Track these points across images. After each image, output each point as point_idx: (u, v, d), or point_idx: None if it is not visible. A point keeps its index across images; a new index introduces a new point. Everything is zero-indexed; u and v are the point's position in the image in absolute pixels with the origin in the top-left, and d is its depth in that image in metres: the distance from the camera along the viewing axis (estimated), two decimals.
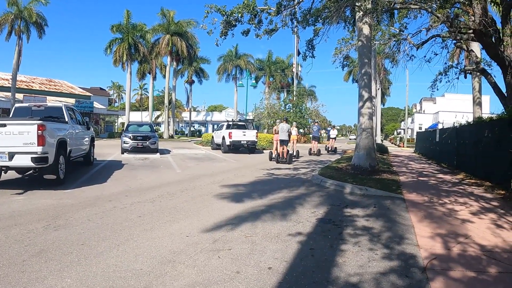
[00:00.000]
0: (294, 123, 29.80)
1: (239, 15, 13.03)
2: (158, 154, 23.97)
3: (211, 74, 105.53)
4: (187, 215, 8.05)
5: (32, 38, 42.21)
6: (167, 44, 50.60)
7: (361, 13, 14.21)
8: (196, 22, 51.09)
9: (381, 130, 60.33)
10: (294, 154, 23.55)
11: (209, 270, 4.90)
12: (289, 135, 21.51)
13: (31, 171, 11.60)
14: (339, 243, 6.13)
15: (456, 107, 62.10)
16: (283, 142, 20.93)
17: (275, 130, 23.37)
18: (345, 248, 5.87)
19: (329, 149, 32.74)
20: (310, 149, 29.29)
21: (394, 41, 16.84)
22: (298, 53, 43.40)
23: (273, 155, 22.38)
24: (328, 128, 44.78)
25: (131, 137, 24.03)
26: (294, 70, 53.61)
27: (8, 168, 10.94)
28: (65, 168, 12.09)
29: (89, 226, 7.10)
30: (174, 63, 56.84)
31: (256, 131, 28.55)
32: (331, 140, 34.40)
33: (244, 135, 26.51)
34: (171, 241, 6.08)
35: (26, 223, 7.28)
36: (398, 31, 16.86)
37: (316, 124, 32.13)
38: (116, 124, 71.15)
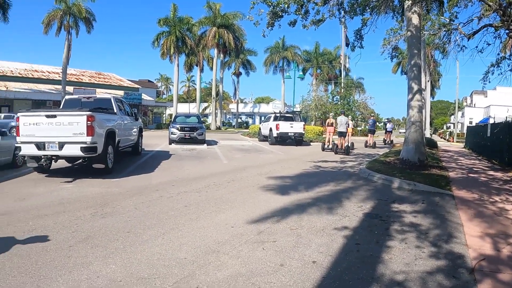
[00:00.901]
0: (350, 116, 29.47)
1: (286, 5, 12.85)
2: (205, 145, 24.16)
3: (258, 66, 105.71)
4: (232, 206, 8.07)
5: (81, 33, 43.19)
6: (214, 37, 50.76)
7: (410, 2, 13.82)
8: (242, 14, 50.90)
9: (430, 124, 58.70)
10: (350, 145, 23.33)
11: (253, 262, 4.88)
12: (347, 128, 22.46)
13: (80, 160, 11.91)
14: (386, 239, 5.99)
15: (508, 101, 59.62)
16: (341, 134, 22.02)
17: (328, 122, 24.10)
18: (392, 244, 5.73)
19: (387, 141, 32.37)
20: (366, 141, 29.20)
21: (444, 31, 16.31)
22: (347, 44, 42.82)
23: (325, 146, 23.05)
24: (386, 122, 44.18)
25: (179, 128, 24.24)
26: (341, 61, 52.92)
27: (58, 157, 11.33)
28: (114, 158, 12.37)
29: (136, 214, 7.24)
30: (221, 55, 57.01)
31: (303, 123, 28.41)
32: (388, 133, 34.01)
33: (292, 127, 26.37)
34: (216, 231, 6.11)
35: (74, 210, 7.49)
36: (448, 20, 16.28)
37: (372, 117, 31.91)
38: (164, 115, 72.35)
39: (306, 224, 6.71)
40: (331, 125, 23.57)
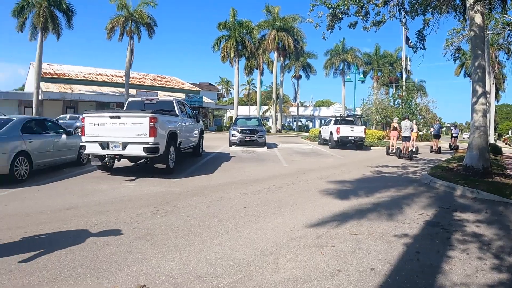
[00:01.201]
0: (414, 120, 28.80)
1: (345, 7, 12.72)
2: (265, 147, 24.21)
3: (318, 69, 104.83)
4: (292, 209, 8.09)
5: (142, 37, 44.43)
6: (274, 40, 50.71)
7: (472, 0, 13.34)
8: (301, 17, 50.50)
9: (495, 129, 56.20)
10: (414, 150, 22.82)
11: (310, 266, 4.89)
12: (411, 132, 22.08)
13: (142, 160, 12.30)
14: (447, 248, 5.82)
15: None
16: (406, 139, 21.61)
17: (392, 126, 23.71)
18: (452, 254, 5.56)
19: (452, 146, 31.46)
20: (431, 147, 28.40)
21: (508, 30, 15.60)
22: (408, 46, 41.71)
23: (390, 151, 22.76)
24: (451, 127, 42.85)
25: (239, 130, 24.41)
26: (402, 63, 51.57)
27: (121, 156, 11.73)
28: (175, 159, 12.70)
29: (195, 214, 7.40)
30: (281, 58, 56.91)
31: (364, 127, 28.01)
32: (453, 138, 33.05)
33: (352, 130, 26.03)
34: (275, 234, 6.15)
35: (135, 208, 7.76)
36: None
37: (437, 122, 31.07)
38: (224, 118, 73.19)
39: (365, 230, 6.64)
40: (395, 129, 23.16)
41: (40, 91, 38.81)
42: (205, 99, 56.56)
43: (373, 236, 6.30)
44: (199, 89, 62.99)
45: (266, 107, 79.39)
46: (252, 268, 4.75)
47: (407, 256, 5.40)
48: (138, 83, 54.14)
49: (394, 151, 22.17)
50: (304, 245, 5.68)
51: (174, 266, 4.78)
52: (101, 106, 43.16)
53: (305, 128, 79.00)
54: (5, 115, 12.43)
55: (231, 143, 24.56)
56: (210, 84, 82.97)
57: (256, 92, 72.62)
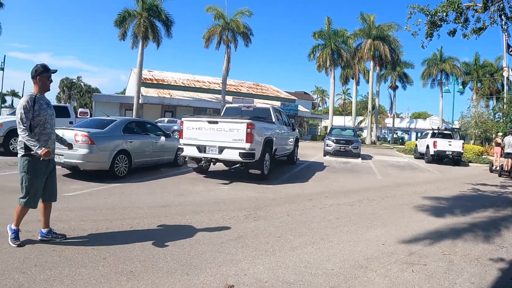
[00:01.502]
0: None
1: (444, 14, 12.18)
2: (359, 159, 23.81)
3: (415, 79, 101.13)
4: (384, 223, 7.89)
5: (239, 46, 45.27)
6: (369, 49, 49.45)
7: None
8: (397, 25, 48.70)
9: None
10: None
11: (400, 283, 4.74)
12: None
13: (237, 165, 12.54)
14: None
15: None
16: (508, 155, 19.84)
17: (495, 142, 22.61)
18: None
19: None
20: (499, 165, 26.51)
21: None
22: (509, 54, 39.06)
23: (493, 168, 21.41)
24: None
25: (334, 140, 24.20)
26: (504, 74, 48.22)
27: (217, 160, 12.02)
28: (270, 165, 12.81)
29: (287, 220, 7.43)
30: (377, 67, 55.47)
31: (462, 141, 26.63)
32: None
33: (450, 145, 24.85)
34: (366, 247, 6.03)
35: (228, 210, 7.93)
36: None
37: None
38: (319, 127, 72.84)
39: (459, 251, 6.31)
40: (498, 145, 21.81)
41: (140, 95, 40.99)
42: (300, 107, 56.67)
43: (468, 258, 5.97)
44: (295, 98, 63.17)
45: (361, 118, 78.09)
46: (341, 280, 4.69)
47: (501, 283, 5.07)
48: (235, 90, 55.42)
49: (498, 168, 20.86)
50: (395, 261, 5.52)
51: (263, 270, 4.83)
52: (198, 111, 44.63)
53: (400, 140, 76.52)
54: (108, 116, 13.30)
55: (325, 153, 24.44)
56: (305, 93, 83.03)
57: (351, 102, 71.53)
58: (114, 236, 6.04)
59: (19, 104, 5.33)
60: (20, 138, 5.31)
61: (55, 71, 5.62)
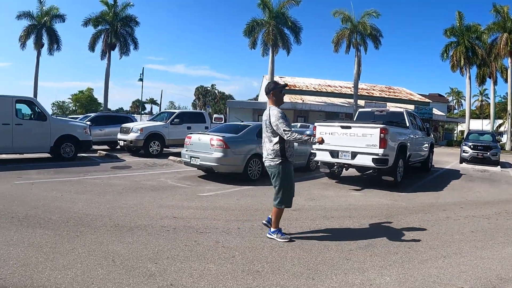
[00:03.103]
0: None
1: None
2: (498, 167, 21.96)
3: None
4: None
5: (369, 49, 44.20)
6: (506, 44, 44.35)
7: None
8: None
9: None
10: None
11: None
12: None
13: (369, 171, 12.34)
14: None
15: None
16: None
17: None
18: None
19: None
20: None
21: None
22: None
23: None
24: None
25: (471, 146, 22.77)
26: None
27: (350, 166, 11.97)
28: (403, 172, 12.43)
29: (419, 231, 7.14)
30: None
31: None
32: None
33: None
34: (500, 266, 5.53)
35: (359, 217, 7.85)
36: None
37: None
38: (455, 132, 68.87)
39: None
40: None
41: None
42: (435, 111, 54.05)
43: None
44: (429, 101, 60.54)
45: (500, 121, 72.37)
46: None
47: None
48: (366, 94, 54.42)
49: None
50: None
51: (390, 281, 4.70)
52: (330, 116, 44.47)
53: None
54: (242, 121, 13.84)
55: (462, 160, 23.01)
56: (440, 95, 78.93)
57: (489, 104, 66.34)
58: (244, 236, 6.27)
59: (274, 117, 6.03)
60: (272, 146, 6.17)
61: (285, 86, 6.45)
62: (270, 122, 6.10)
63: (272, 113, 6.10)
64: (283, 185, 6.13)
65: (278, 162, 6.11)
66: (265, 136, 6.28)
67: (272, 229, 6.25)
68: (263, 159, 6.36)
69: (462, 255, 5.89)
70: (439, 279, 4.84)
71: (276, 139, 6.11)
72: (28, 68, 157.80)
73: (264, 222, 6.57)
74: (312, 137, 6.44)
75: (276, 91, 6.27)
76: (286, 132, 5.95)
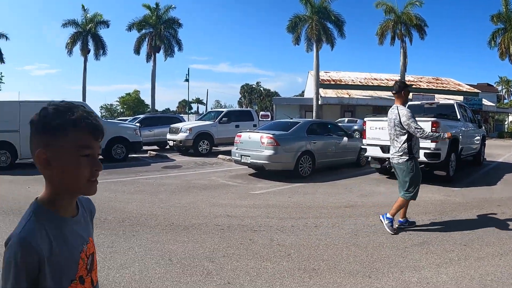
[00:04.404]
0: None
1: None
2: None
3: None
4: None
5: (414, 39, 43.19)
6: None
7: None
8: None
9: None
10: None
11: None
12: None
13: (422, 166, 12.20)
14: None
15: None
16: None
17: None
18: None
19: None
20: None
21: None
22: None
23: None
24: None
25: None
26: None
27: None
28: (455, 166, 12.20)
29: (475, 227, 7.02)
30: None
31: None
32: None
33: None
34: None
35: (412, 213, 7.67)
36: None
37: None
38: (506, 122, 66.66)
39: None
40: None
41: (319, 97, 41.61)
42: (484, 101, 52.38)
43: None
44: (478, 91, 58.58)
45: None
46: None
47: None
48: (414, 86, 53.09)
49: None
50: None
51: (447, 279, 4.69)
52: (378, 110, 43.76)
53: None
54: (291, 118, 13.91)
55: None
56: (488, 84, 76.49)
57: None
58: (299, 234, 6.37)
59: (404, 117, 6.45)
60: (401, 145, 6.58)
61: (411, 86, 6.69)
62: (400, 121, 6.49)
63: (402, 113, 6.51)
64: (413, 180, 6.50)
65: (406, 159, 6.49)
66: (393, 134, 6.71)
67: (388, 215, 6.58)
68: (390, 157, 6.92)
69: None
70: (497, 277, 4.79)
71: (404, 137, 6.51)
72: (76, 73, 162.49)
73: (399, 226, 6.79)
74: (442, 134, 6.89)
75: (405, 90, 6.76)
76: (419, 130, 6.37)
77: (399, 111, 6.56)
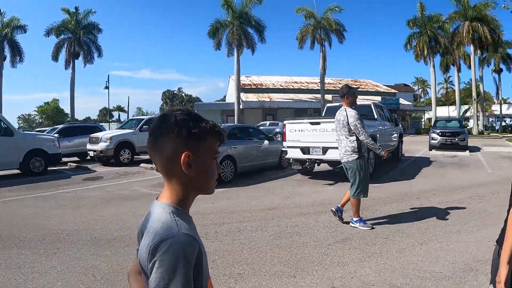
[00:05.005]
0: None
1: None
2: (467, 151, 22.48)
3: None
4: (496, 222, 7.37)
5: (333, 43, 44.85)
6: (468, 32, 45.48)
7: None
8: (494, 3, 44.76)
9: None
10: None
11: None
12: None
13: (341, 165, 12.47)
14: None
15: None
16: None
17: None
18: None
19: None
20: None
21: None
22: None
23: None
24: None
25: (439, 133, 23.24)
26: None
27: (321, 161, 12.12)
28: (374, 163, 12.61)
29: (394, 221, 7.26)
30: (478, 51, 51.22)
31: None
32: None
33: None
34: (477, 248, 5.66)
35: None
36: None
37: None
38: (422, 120, 69.99)
39: None
40: None
41: (240, 101, 42.01)
42: (401, 101, 54.76)
43: None
44: (395, 91, 61.36)
45: (466, 107, 73.71)
46: (450, 283, 4.48)
47: None
48: (333, 88, 54.40)
49: None
50: None
51: (370, 272, 4.77)
52: (299, 112, 44.69)
53: (510, 128, 70.82)
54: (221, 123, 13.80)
55: (431, 147, 23.46)
56: (405, 85, 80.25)
57: (454, 90, 67.60)
58: (222, 240, 6.26)
59: (352, 118, 6.84)
60: (350, 144, 6.94)
61: (357, 88, 7.51)
62: (348, 122, 6.87)
63: (350, 114, 6.89)
64: (362, 177, 6.83)
65: (356, 157, 6.85)
66: (341, 134, 7.07)
67: (355, 219, 6.80)
68: (340, 157, 7.16)
69: (438, 241, 6.01)
70: (418, 267, 4.93)
71: (353, 137, 6.89)
72: None
73: (332, 209, 7.18)
74: (381, 149, 7.38)
75: (350, 94, 7.06)
76: (364, 133, 6.84)
77: (347, 113, 6.92)
